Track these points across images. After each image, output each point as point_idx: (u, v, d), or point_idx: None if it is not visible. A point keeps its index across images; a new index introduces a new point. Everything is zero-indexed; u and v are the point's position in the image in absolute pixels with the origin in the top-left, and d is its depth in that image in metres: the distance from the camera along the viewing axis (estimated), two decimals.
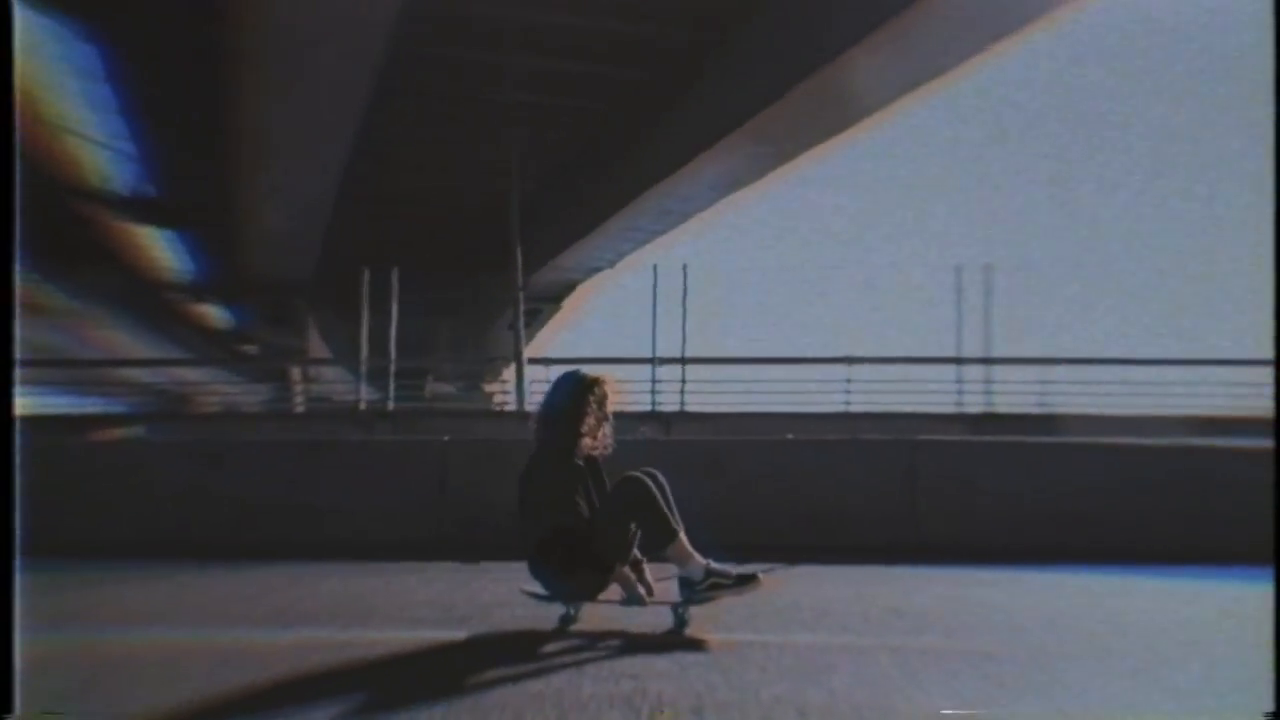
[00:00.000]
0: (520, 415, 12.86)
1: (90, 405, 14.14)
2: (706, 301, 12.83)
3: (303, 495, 6.60)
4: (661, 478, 3.69)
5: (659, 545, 3.61)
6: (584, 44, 15.55)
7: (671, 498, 3.66)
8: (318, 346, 22.86)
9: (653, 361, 12.33)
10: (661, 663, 3.13)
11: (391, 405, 13.09)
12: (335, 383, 18.31)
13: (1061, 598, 4.84)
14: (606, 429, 3.84)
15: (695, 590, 3.57)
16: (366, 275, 13.13)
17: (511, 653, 3.38)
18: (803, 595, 4.37)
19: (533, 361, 14.98)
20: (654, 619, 3.62)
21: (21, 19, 2.55)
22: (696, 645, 3.37)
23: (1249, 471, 6.16)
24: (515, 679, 2.96)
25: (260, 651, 3.42)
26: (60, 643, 3.41)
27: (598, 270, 23.48)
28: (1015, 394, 12.60)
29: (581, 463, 3.76)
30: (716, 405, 12.32)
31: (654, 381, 12.34)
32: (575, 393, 3.80)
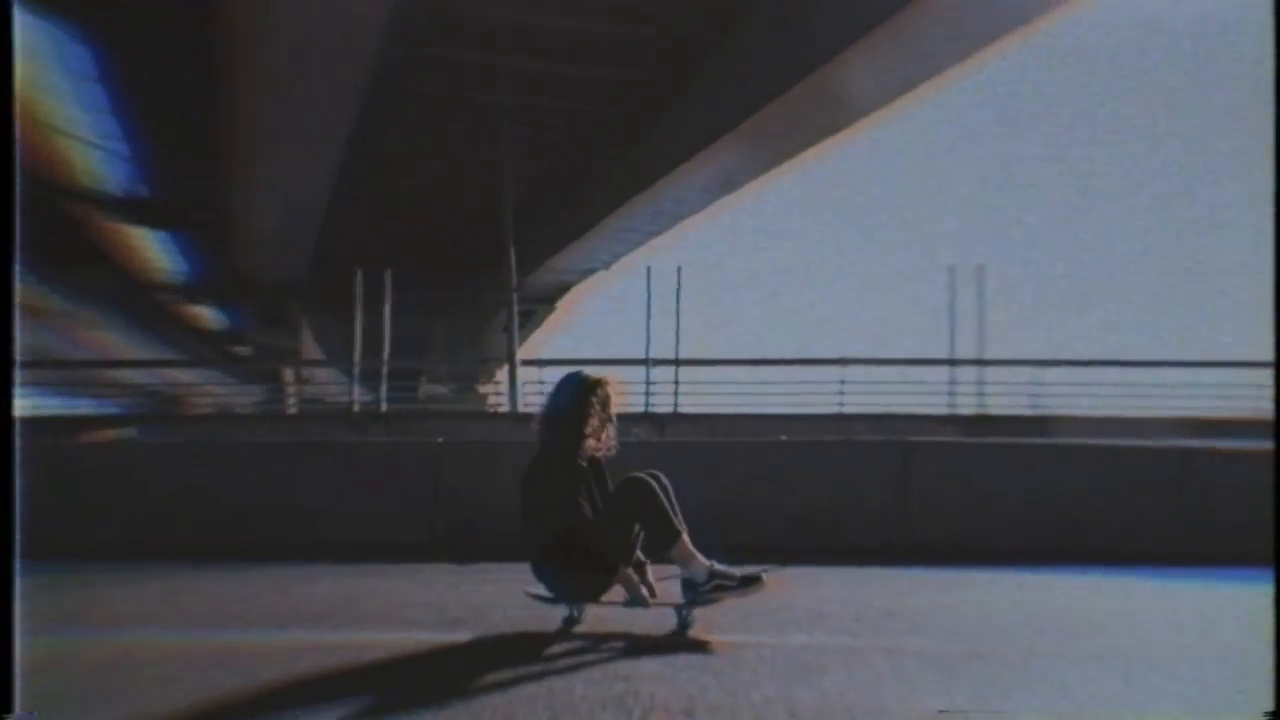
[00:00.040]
0: (514, 417, 12.87)
1: (82, 407, 14.11)
2: (701, 303, 12.85)
3: (295, 497, 6.59)
4: (664, 479, 3.68)
5: (663, 546, 3.60)
6: (578, 45, 15.56)
7: (674, 499, 3.66)
8: (311, 348, 22.83)
9: (647, 363, 12.34)
10: (654, 664, 3.13)
11: (385, 407, 13.08)
12: (329, 384, 18.28)
13: (1054, 599, 4.85)
14: (610, 430, 3.84)
15: (699, 592, 3.56)
16: (360, 276, 13.12)
17: (504, 654, 3.38)
18: (796, 596, 4.37)
19: (526, 363, 14.98)
20: (658, 621, 3.61)
21: (16, 20, 2.54)
22: (700, 647, 3.37)
23: (1242, 473, 6.21)
24: (507, 681, 2.95)
25: (252, 654, 3.41)
26: (51, 645, 3.40)
27: (592, 271, 23.49)
28: (1008, 395, 12.64)
29: (585, 464, 3.75)
30: (710, 407, 12.34)
31: (648, 383, 12.35)
32: (578, 394, 3.79)
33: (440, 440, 7.02)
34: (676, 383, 12.36)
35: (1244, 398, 11.90)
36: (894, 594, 4.76)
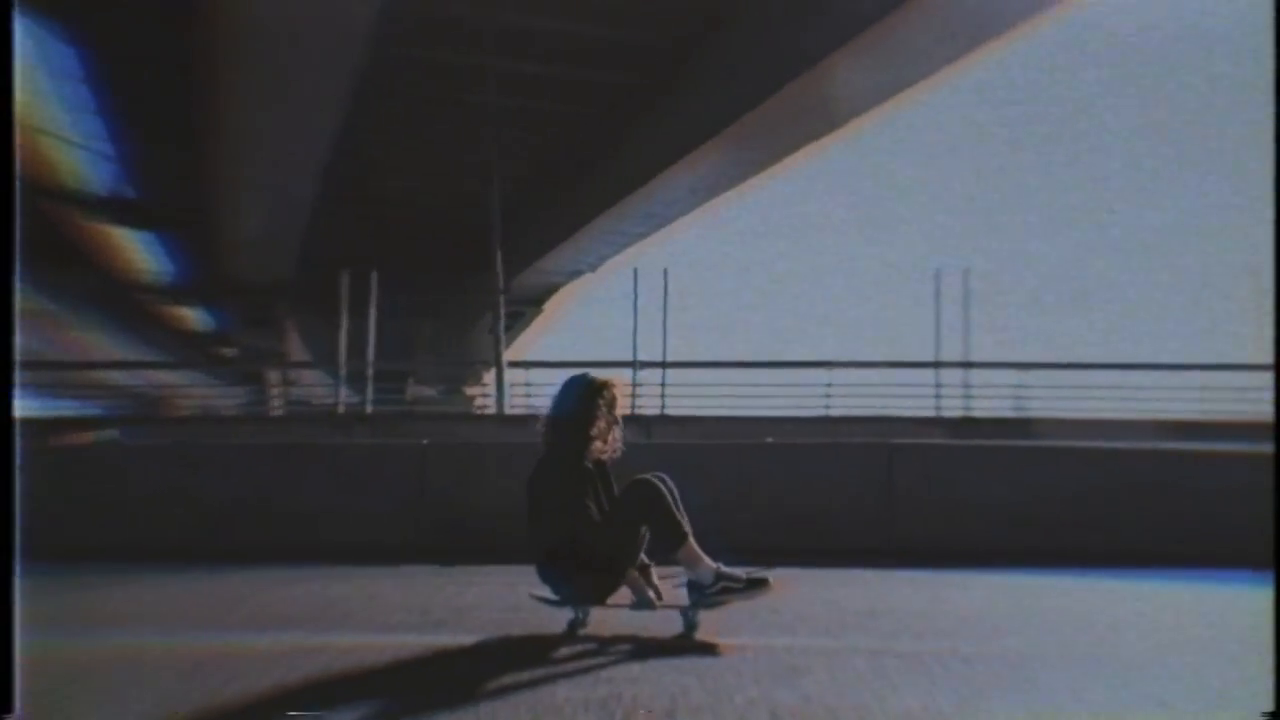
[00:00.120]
0: (500, 418, 12.85)
1: (64, 408, 14.01)
2: (688, 305, 12.87)
3: (279, 499, 6.56)
4: (669, 481, 3.67)
5: (669, 548, 3.59)
6: (566, 47, 15.56)
7: (680, 501, 3.65)
8: (298, 349, 22.72)
9: (633, 365, 12.34)
10: (636, 666, 3.14)
11: (370, 408, 13.04)
12: (315, 385, 18.20)
13: (1037, 600, 4.87)
14: (616, 432, 3.82)
15: (705, 594, 3.55)
16: (346, 277, 13.07)
17: (487, 657, 3.38)
18: (779, 598, 4.37)
19: (513, 365, 14.95)
20: (663, 624, 3.60)
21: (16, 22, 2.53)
22: (707, 649, 3.37)
23: (1226, 476, 6.27)
24: (489, 682, 2.95)
25: (234, 657, 3.39)
26: (30, 648, 3.37)
27: (579, 273, 23.47)
28: (993, 398, 12.70)
29: (590, 466, 3.74)
30: (697, 409, 12.34)
31: (634, 385, 12.35)
32: (584, 396, 3.78)
33: (426, 442, 7.00)
34: (663, 385, 12.37)
35: (1228, 401, 12.02)
36: (877, 595, 4.78)
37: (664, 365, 12.42)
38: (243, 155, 16.12)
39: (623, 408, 3.88)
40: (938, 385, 12.77)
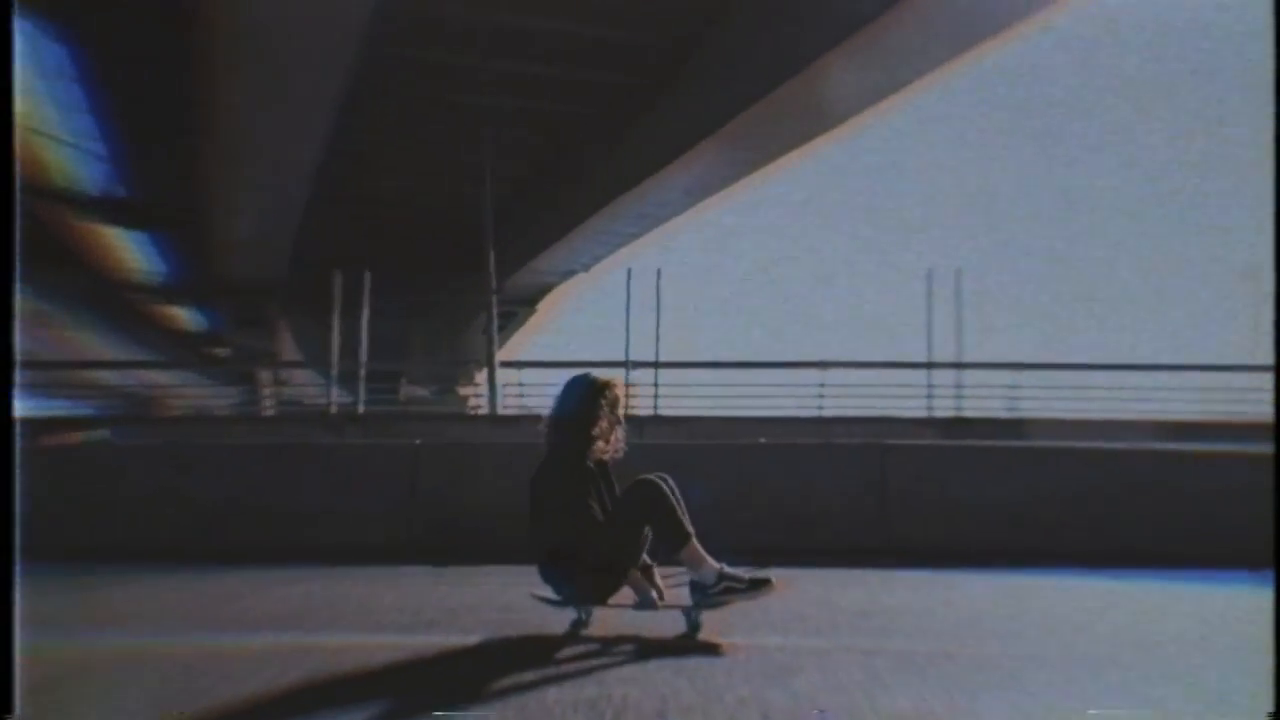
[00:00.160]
0: (493, 419, 12.84)
1: (55, 408, 13.95)
2: (681, 305, 12.87)
3: (271, 499, 6.54)
4: (671, 481, 3.67)
5: (673, 548, 3.59)
6: (560, 48, 15.55)
7: (682, 501, 3.65)
8: (290, 349, 22.67)
9: (626, 365, 12.34)
10: (629, 666, 3.13)
11: (362, 408, 13.02)
12: (307, 386, 18.16)
13: (1031, 601, 4.88)
14: (619, 432, 3.82)
15: (708, 594, 3.55)
16: (338, 277, 13.05)
17: (478, 657, 3.37)
18: (772, 597, 4.37)
19: (505, 365, 14.94)
20: (666, 624, 3.60)
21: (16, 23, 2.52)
22: (710, 650, 3.36)
23: (1219, 476, 6.29)
24: (479, 683, 2.94)
25: (225, 657, 3.38)
26: (27, 649, 3.35)
27: (573, 273, 23.46)
28: (985, 398, 12.73)
29: (592, 466, 3.74)
30: (690, 409, 12.34)
31: (627, 385, 12.34)
32: (587, 396, 3.77)
33: (418, 442, 6.99)
34: (656, 385, 12.38)
35: (1222, 402, 12.07)
36: (869, 595, 4.78)
37: (656, 365, 12.42)
38: (236, 155, 16.07)
39: (625, 408, 3.87)
40: (930, 386, 12.81)
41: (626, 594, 3.64)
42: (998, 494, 6.48)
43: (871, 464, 6.62)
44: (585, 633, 3.65)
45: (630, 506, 3.63)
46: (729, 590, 3.55)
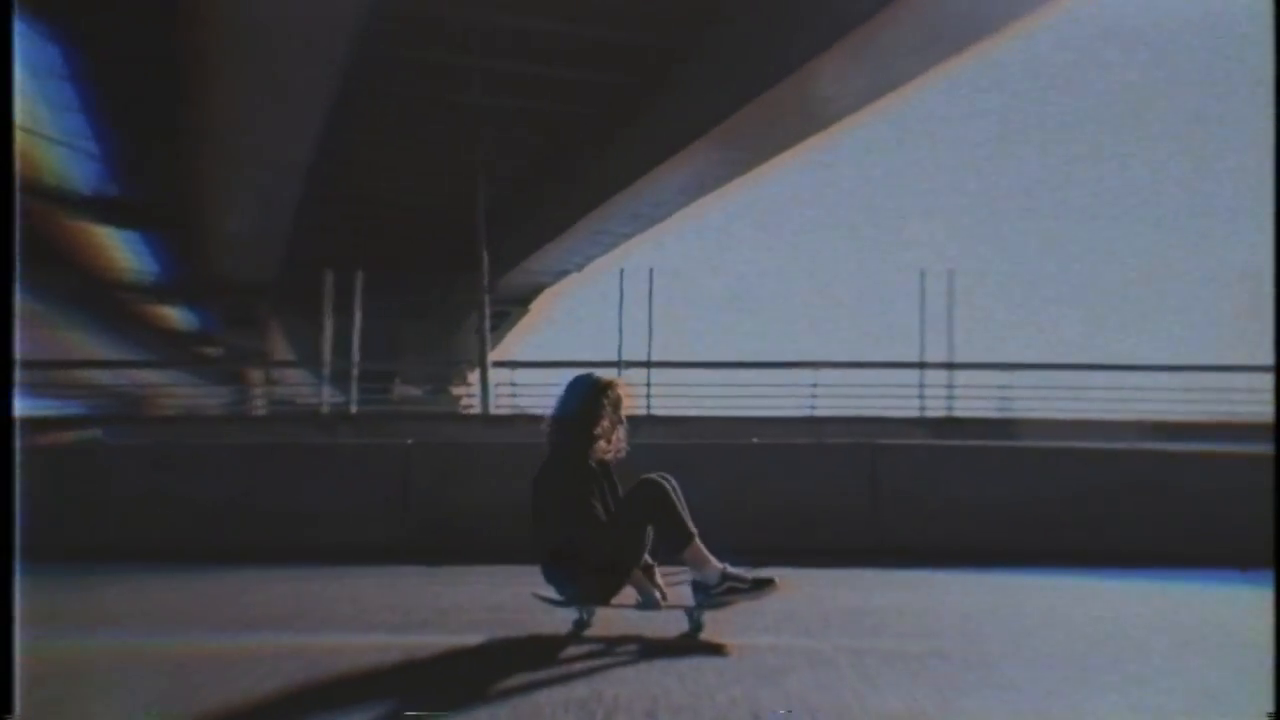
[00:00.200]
0: (485, 418, 12.83)
1: (46, 407, 13.89)
2: (673, 305, 12.88)
3: (263, 499, 6.53)
4: (674, 481, 3.67)
5: (676, 548, 3.58)
6: (553, 48, 15.54)
7: (684, 501, 3.65)
8: (282, 349, 22.61)
9: (619, 365, 12.35)
10: (618, 667, 3.14)
11: (355, 408, 13.00)
12: (299, 385, 18.13)
13: (1022, 600, 4.89)
14: (621, 432, 3.81)
15: (710, 594, 3.54)
16: (330, 277, 13.03)
17: (471, 657, 3.37)
18: (764, 597, 4.39)
19: (498, 365, 14.93)
20: (668, 624, 3.60)
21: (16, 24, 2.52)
22: (713, 650, 3.36)
23: (1212, 476, 6.32)
24: (470, 683, 2.94)
25: (216, 657, 3.38)
26: (25, 649, 3.35)
27: (566, 273, 23.44)
28: (977, 399, 12.77)
29: (595, 465, 3.73)
30: (683, 409, 12.35)
31: None
32: (589, 396, 3.76)
33: (410, 441, 6.99)
34: (649, 385, 12.39)
35: (1216, 402, 12.12)
36: (861, 595, 4.79)
37: (649, 365, 12.43)
38: (228, 154, 16.03)
39: (628, 407, 3.86)
40: (922, 386, 12.84)
41: (629, 594, 3.63)
42: (991, 494, 6.50)
43: (864, 464, 6.64)
44: (585, 633, 3.65)
45: (633, 506, 3.63)
46: (732, 590, 3.54)
